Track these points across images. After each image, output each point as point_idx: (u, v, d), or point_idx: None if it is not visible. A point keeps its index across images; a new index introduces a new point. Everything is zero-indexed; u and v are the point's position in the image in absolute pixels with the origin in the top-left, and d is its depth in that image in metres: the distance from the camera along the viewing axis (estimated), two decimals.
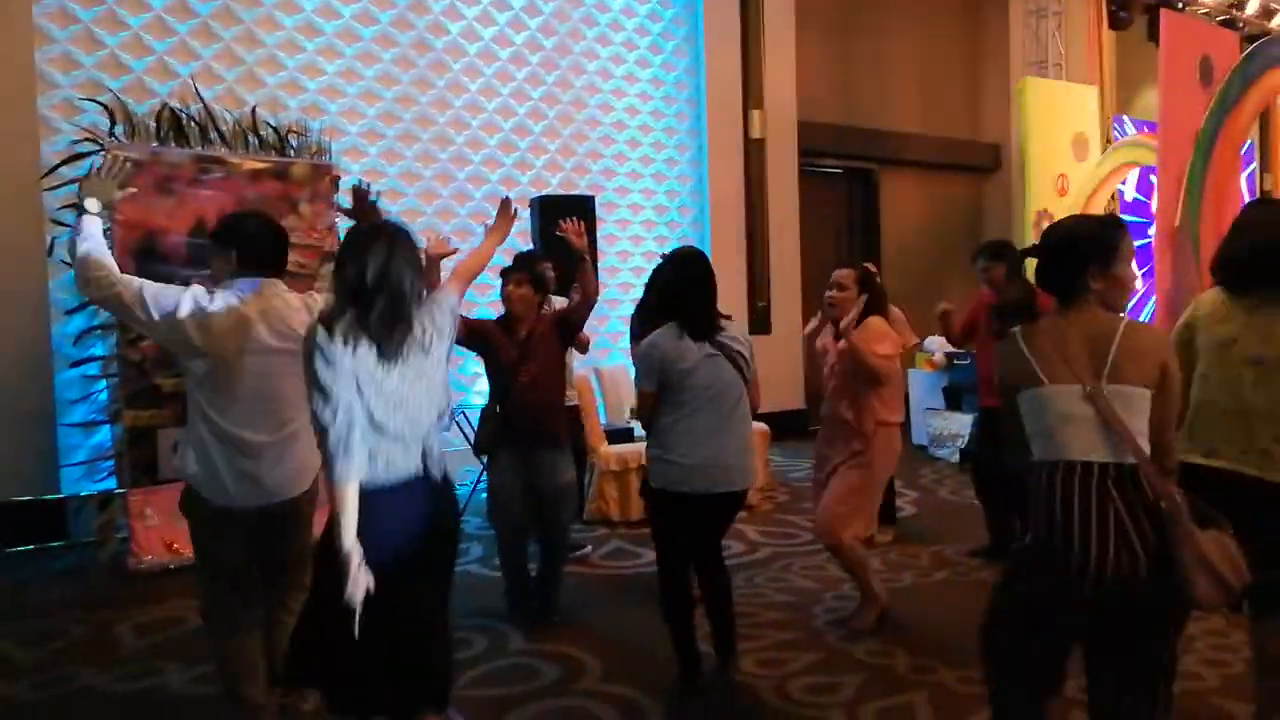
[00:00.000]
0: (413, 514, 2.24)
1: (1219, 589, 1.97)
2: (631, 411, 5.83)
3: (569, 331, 4.01)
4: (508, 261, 4.14)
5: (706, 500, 3.15)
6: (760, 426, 6.33)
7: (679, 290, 3.22)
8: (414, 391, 2.24)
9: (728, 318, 3.30)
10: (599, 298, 4.01)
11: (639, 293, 5.88)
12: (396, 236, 2.28)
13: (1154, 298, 8.90)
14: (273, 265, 2.80)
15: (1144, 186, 10.04)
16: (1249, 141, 10.37)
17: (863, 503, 3.85)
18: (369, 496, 2.14)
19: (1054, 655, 2.12)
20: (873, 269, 3.95)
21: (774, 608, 4.15)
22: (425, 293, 2.36)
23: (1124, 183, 10.36)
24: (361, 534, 2.08)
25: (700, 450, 3.12)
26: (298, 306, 2.78)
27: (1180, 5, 10.51)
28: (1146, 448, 2.03)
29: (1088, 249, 2.10)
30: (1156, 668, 2.05)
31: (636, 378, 3.29)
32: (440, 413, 2.33)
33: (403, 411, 2.22)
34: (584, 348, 4.54)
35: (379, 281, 2.19)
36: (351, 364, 2.14)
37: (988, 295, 4.71)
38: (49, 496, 5.28)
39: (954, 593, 4.32)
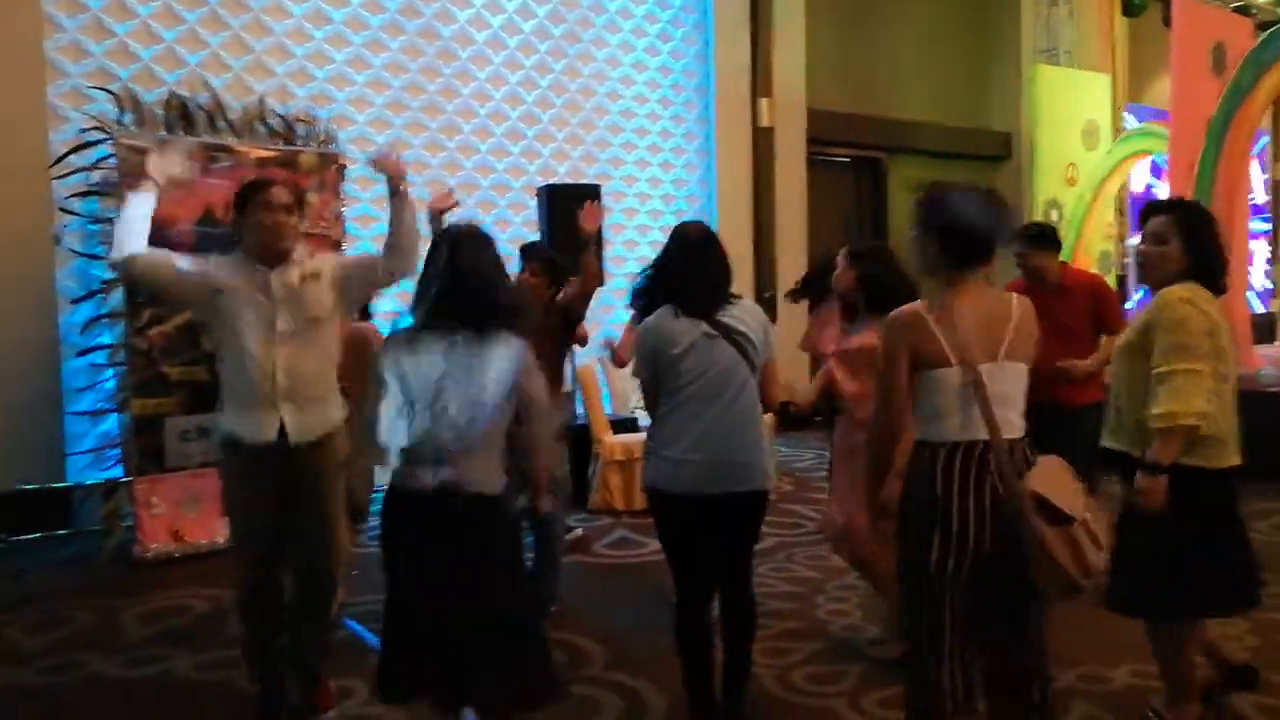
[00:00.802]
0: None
1: (1060, 583, 2.12)
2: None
3: (570, 325, 3.99)
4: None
5: (705, 503, 2.71)
6: (765, 415, 6.33)
7: (674, 264, 2.87)
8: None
9: (738, 297, 2.88)
10: (602, 286, 3.87)
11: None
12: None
13: None
14: None
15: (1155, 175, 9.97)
16: (1262, 130, 10.28)
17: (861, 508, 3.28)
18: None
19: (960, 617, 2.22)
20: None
21: (776, 597, 4.15)
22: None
23: (1157, 175, 10.31)
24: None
25: (693, 444, 2.70)
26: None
27: None
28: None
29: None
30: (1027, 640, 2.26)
31: (636, 367, 2.98)
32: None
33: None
34: (583, 341, 4.46)
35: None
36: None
37: (1020, 283, 4.23)
38: (55, 485, 5.31)
39: None
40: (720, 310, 2.78)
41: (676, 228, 2.99)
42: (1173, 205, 2.88)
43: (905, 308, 2.29)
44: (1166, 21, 9.59)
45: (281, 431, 2.83)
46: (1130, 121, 10.63)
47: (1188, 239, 2.65)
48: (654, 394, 2.85)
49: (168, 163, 2.84)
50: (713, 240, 2.92)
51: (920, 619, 2.23)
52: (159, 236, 4.85)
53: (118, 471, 5.12)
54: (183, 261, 2.91)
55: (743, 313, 2.81)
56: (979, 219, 2.24)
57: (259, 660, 2.99)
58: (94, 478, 5.26)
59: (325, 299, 2.93)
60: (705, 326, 2.74)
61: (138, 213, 2.86)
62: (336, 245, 4.59)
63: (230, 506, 2.96)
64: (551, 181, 6.91)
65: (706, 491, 2.71)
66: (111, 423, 5.25)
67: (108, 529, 4.99)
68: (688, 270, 2.83)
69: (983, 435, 2.17)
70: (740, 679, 2.90)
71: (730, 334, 2.75)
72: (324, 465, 2.93)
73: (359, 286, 3.07)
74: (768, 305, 8.14)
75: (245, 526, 2.92)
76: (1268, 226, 12.60)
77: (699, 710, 2.86)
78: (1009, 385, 2.22)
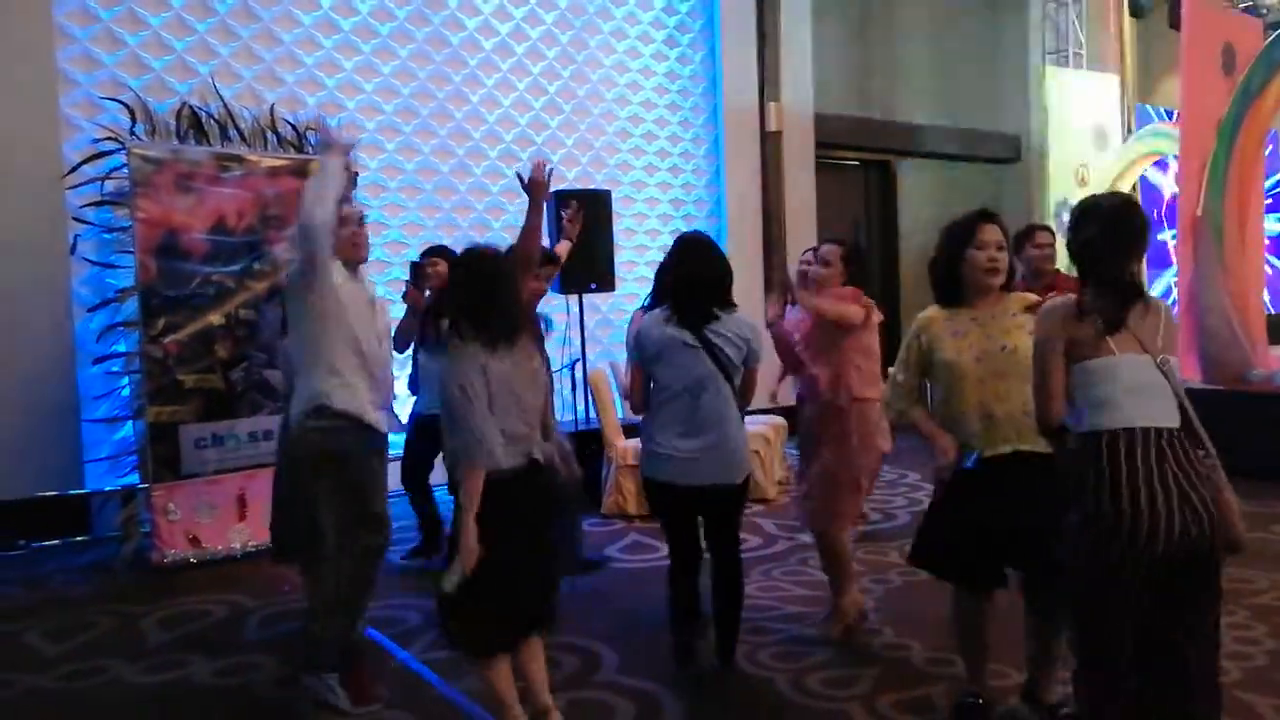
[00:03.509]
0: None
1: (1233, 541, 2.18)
2: None
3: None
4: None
5: (687, 491, 3.12)
6: (777, 420, 6.34)
7: (673, 277, 3.17)
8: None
9: (733, 305, 3.19)
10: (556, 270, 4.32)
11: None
12: None
13: (1176, 288, 8.82)
14: None
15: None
16: (1272, 130, 10.23)
17: (843, 489, 3.56)
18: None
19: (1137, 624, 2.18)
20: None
21: (791, 601, 4.15)
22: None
23: (1147, 177, 10.27)
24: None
25: (673, 440, 3.09)
26: None
27: None
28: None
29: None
30: (1216, 616, 2.23)
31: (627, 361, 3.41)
32: None
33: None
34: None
35: None
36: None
37: (1021, 283, 4.43)
38: (73, 492, 5.35)
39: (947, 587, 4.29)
40: (707, 323, 3.08)
41: (678, 237, 3.28)
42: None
43: (1061, 299, 2.31)
44: (1174, 24, 9.58)
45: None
46: (1149, 117, 10.59)
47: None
48: (641, 385, 3.22)
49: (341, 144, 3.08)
50: (708, 252, 3.18)
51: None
52: (170, 244, 4.95)
53: (134, 478, 5.16)
54: None
55: (728, 327, 3.11)
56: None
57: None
58: (111, 484, 5.30)
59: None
60: (689, 336, 3.07)
61: (335, 180, 3.01)
62: (440, 249, 4.87)
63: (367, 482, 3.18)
64: (560, 187, 6.92)
65: (687, 482, 3.10)
66: (128, 430, 5.29)
67: (125, 535, 5.02)
68: (680, 282, 3.12)
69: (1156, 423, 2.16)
70: (729, 644, 3.30)
71: (710, 347, 3.07)
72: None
73: None
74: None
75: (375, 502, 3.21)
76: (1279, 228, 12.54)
77: (681, 656, 3.30)
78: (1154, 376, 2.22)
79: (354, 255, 3.23)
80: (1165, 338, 2.23)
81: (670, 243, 3.32)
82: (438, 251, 4.68)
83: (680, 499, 3.16)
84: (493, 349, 2.64)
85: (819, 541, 3.72)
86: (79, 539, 5.34)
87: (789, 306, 3.72)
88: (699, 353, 3.07)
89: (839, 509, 3.60)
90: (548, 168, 3.52)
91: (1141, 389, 2.17)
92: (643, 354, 3.18)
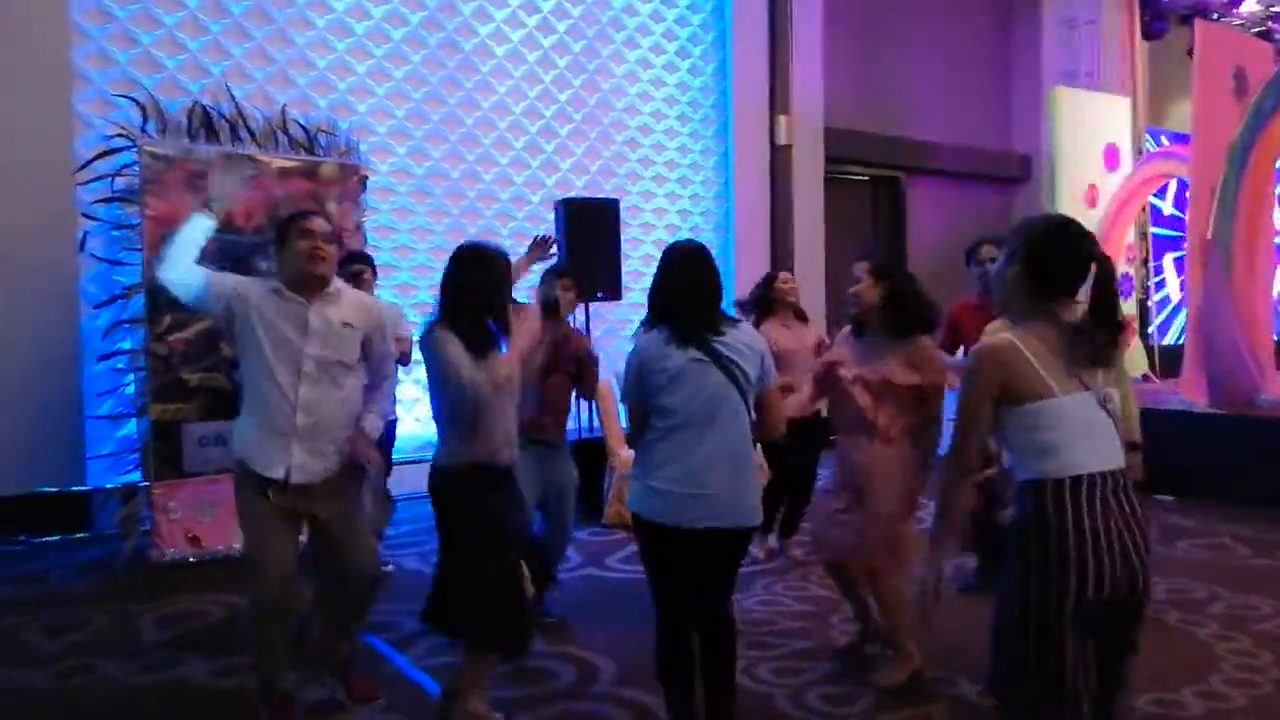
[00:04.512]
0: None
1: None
2: None
3: (585, 379, 4.13)
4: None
5: (687, 535, 2.63)
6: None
7: (669, 290, 2.78)
8: None
9: (736, 321, 2.85)
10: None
11: None
12: None
13: (1185, 310, 8.78)
14: None
15: (1181, 201, 9.91)
16: None
17: (900, 521, 3.30)
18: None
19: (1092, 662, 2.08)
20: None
21: (792, 616, 4.13)
22: None
23: (1160, 195, 10.25)
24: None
25: (679, 474, 2.62)
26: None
27: (1215, 15, 10.38)
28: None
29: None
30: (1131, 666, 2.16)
31: (622, 393, 2.89)
32: None
33: None
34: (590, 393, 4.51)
35: None
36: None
37: (973, 300, 4.28)
38: (75, 489, 5.34)
39: (968, 603, 4.23)
40: (713, 335, 2.69)
41: (666, 249, 2.90)
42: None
43: (996, 338, 2.12)
44: (1189, 49, 9.58)
45: (287, 471, 2.87)
46: (1161, 140, 10.59)
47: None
48: (641, 420, 2.76)
49: (230, 180, 2.89)
50: (703, 260, 2.82)
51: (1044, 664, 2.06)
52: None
53: (136, 476, 5.15)
54: (227, 279, 2.98)
55: (738, 339, 2.72)
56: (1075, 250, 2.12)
57: (273, 671, 2.98)
58: (113, 482, 5.29)
59: (356, 349, 3.01)
60: (695, 352, 2.66)
61: (193, 236, 2.94)
62: (365, 259, 4.64)
63: (246, 520, 2.95)
64: (569, 195, 6.94)
65: (689, 524, 2.62)
66: (131, 427, 5.28)
67: (125, 532, 5.01)
68: (677, 294, 2.75)
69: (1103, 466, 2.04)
70: (724, 711, 2.78)
71: (721, 361, 2.66)
72: (336, 496, 2.98)
73: (371, 358, 3.11)
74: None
75: (264, 544, 2.90)
76: None
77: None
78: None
79: (312, 273, 2.90)
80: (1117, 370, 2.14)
81: None
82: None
83: (681, 544, 2.66)
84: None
85: (874, 582, 3.40)
86: (79, 536, 5.33)
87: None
88: (709, 368, 2.65)
89: (898, 549, 3.30)
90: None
91: (1088, 430, 2.04)
92: (645, 385, 2.71)
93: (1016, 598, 2.06)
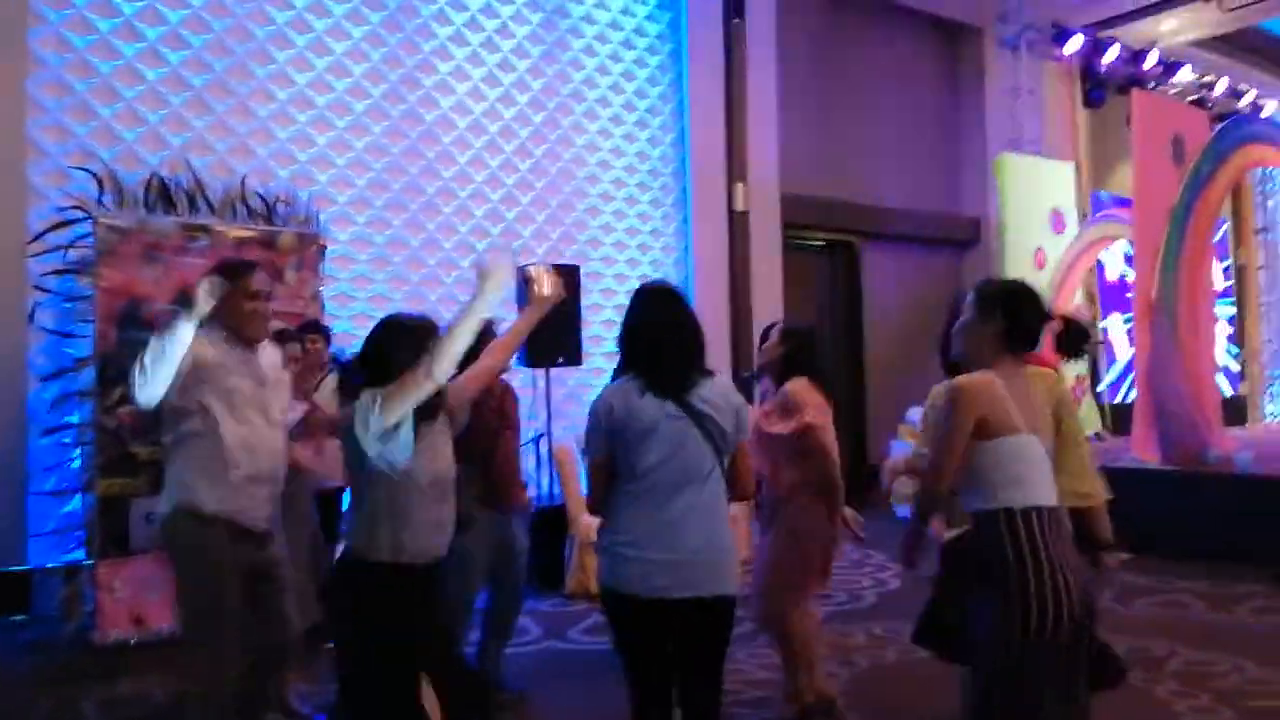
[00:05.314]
0: None
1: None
2: None
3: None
4: None
5: (669, 608, 2.40)
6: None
7: (639, 334, 2.54)
8: None
9: (710, 374, 2.57)
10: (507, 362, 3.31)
11: None
12: None
13: (1134, 371, 8.99)
14: None
15: (1128, 263, 10.21)
16: (1221, 217, 10.59)
17: (793, 576, 3.47)
18: None
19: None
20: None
21: (755, 685, 4.07)
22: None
23: (1103, 261, 10.56)
24: None
25: (656, 541, 2.40)
26: None
27: (1152, 85, 10.83)
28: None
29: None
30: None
31: (583, 447, 2.70)
32: None
33: None
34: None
35: None
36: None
37: None
38: (14, 568, 5.16)
39: (916, 671, 3.98)
40: (690, 389, 2.46)
41: (637, 289, 2.65)
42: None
43: (979, 375, 2.33)
44: (1128, 117, 9.98)
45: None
46: (1104, 204, 10.95)
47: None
48: (604, 476, 2.51)
49: (213, 290, 2.72)
50: (677, 300, 2.59)
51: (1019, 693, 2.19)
52: (131, 313, 4.89)
53: (79, 554, 5.00)
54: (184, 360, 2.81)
55: (714, 394, 2.49)
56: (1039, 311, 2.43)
57: None
58: (55, 560, 5.12)
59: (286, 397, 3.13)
60: (671, 407, 2.43)
61: (177, 351, 2.68)
62: (320, 328, 4.64)
63: (208, 587, 2.81)
64: (530, 262, 6.97)
65: (672, 595, 2.39)
66: (75, 504, 5.14)
67: (68, 613, 4.84)
68: (650, 338, 2.50)
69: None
70: None
71: (699, 419, 2.44)
72: (277, 552, 3.02)
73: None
74: (744, 385, 8.18)
75: (230, 619, 2.80)
76: (1231, 311, 12.90)
77: None
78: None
79: (254, 333, 2.95)
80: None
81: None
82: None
83: (657, 618, 2.42)
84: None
85: (779, 640, 3.60)
86: (18, 617, 5.13)
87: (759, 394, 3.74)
88: (685, 425, 2.42)
89: (792, 601, 3.52)
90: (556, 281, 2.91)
91: (1041, 468, 2.29)
92: (611, 437, 2.47)
93: (1000, 628, 2.17)
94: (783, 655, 3.60)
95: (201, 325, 2.73)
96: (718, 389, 2.53)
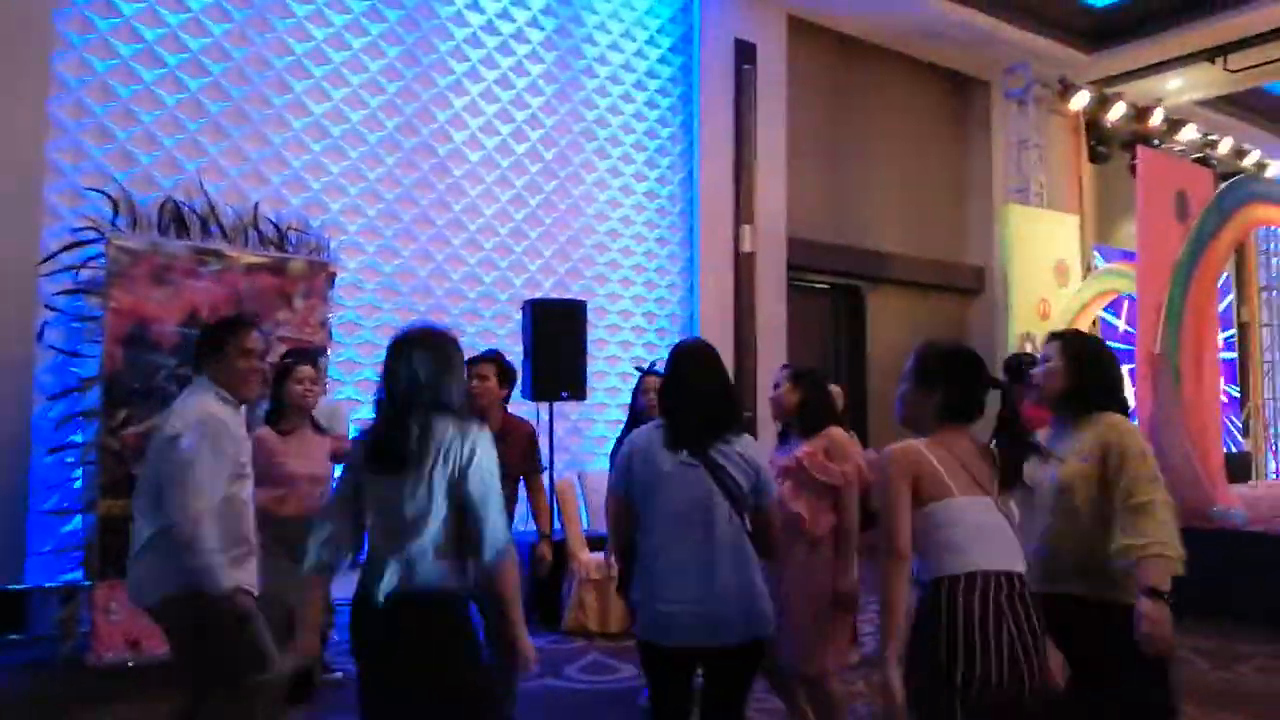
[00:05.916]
0: None
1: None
2: None
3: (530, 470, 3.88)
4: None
5: (702, 655, 2.51)
6: None
7: (668, 388, 2.76)
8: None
9: (740, 432, 2.70)
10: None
11: (626, 398, 5.92)
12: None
13: (1135, 421, 8.97)
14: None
15: (1134, 318, 10.24)
16: (1225, 274, 10.66)
17: (831, 624, 3.33)
18: None
19: None
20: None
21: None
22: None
23: (1115, 312, 10.60)
24: None
25: (689, 591, 2.49)
26: None
27: (1156, 142, 10.95)
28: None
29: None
30: None
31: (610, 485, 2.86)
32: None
33: None
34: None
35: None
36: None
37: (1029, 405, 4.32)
38: (12, 587, 5.13)
39: None
40: (710, 440, 2.59)
41: (674, 345, 2.85)
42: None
43: (904, 443, 2.31)
44: (1130, 169, 10.08)
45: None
46: (1099, 261, 11.03)
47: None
48: (620, 511, 2.69)
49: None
50: (701, 359, 2.75)
51: None
52: (139, 335, 4.91)
53: (77, 575, 4.97)
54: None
55: (733, 448, 2.61)
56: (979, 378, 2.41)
57: None
58: (53, 580, 5.09)
59: None
60: (686, 456, 2.57)
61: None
62: (322, 352, 4.66)
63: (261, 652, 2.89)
64: (536, 296, 7.01)
65: (706, 644, 2.49)
66: (76, 524, 5.12)
67: (64, 634, 4.80)
68: (674, 393, 2.70)
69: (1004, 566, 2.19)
70: None
71: (715, 469, 2.56)
72: None
73: None
74: (747, 425, 8.18)
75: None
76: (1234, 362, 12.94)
77: None
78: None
79: (251, 394, 3.00)
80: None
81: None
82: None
83: (682, 665, 2.54)
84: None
85: (812, 686, 3.38)
86: (14, 637, 5.08)
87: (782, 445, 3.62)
88: (698, 472, 2.55)
89: (829, 649, 3.35)
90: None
91: (983, 533, 2.20)
92: (631, 478, 2.64)
93: (916, 685, 2.15)
94: (824, 707, 3.37)
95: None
96: (738, 446, 2.63)
